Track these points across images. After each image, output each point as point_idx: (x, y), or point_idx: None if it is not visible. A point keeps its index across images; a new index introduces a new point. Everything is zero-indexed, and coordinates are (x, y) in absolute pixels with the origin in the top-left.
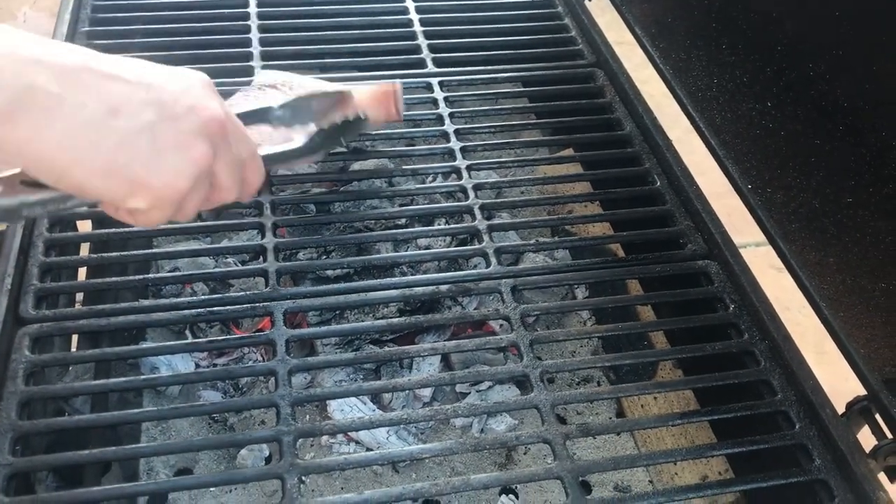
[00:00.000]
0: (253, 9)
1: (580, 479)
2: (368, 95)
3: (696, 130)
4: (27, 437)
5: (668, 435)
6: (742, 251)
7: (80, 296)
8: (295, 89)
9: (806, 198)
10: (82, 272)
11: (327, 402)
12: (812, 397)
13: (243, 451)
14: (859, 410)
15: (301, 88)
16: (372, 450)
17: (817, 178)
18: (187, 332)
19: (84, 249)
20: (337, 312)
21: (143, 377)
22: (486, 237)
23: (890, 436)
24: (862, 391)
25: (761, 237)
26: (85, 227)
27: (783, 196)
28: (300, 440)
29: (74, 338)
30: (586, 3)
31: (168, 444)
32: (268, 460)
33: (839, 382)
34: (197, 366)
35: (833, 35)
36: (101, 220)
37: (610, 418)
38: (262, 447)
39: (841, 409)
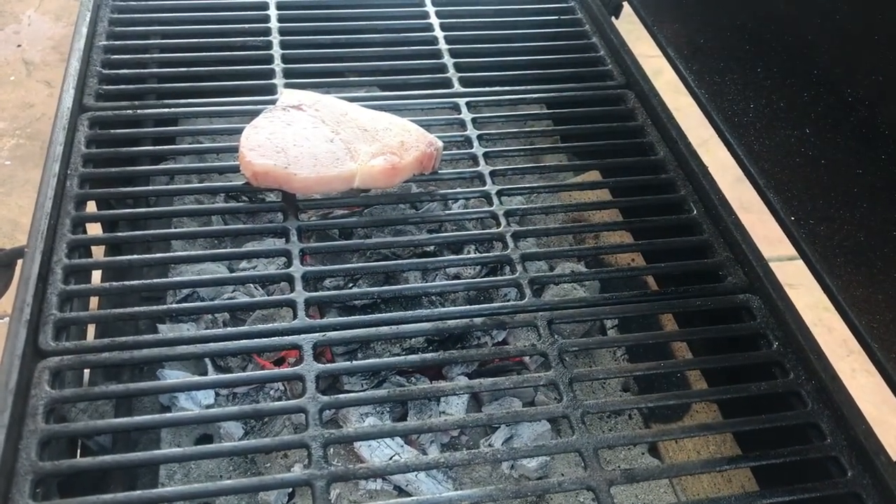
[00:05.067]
0: (274, 24)
1: None
2: (414, 158)
3: (734, 157)
4: (48, 478)
5: (705, 474)
6: None
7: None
8: (322, 111)
9: (850, 230)
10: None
11: None
12: (864, 442)
13: None
14: None
15: (327, 111)
16: (400, 486)
17: (861, 210)
18: (207, 360)
19: (96, 277)
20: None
21: (168, 416)
22: (519, 267)
23: None
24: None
25: (774, 253)
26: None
27: (826, 228)
28: (333, 485)
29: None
30: (614, 20)
31: (194, 488)
32: (290, 496)
33: None
34: (217, 395)
35: (872, 59)
36: (118, 245)
37: (642, 453)
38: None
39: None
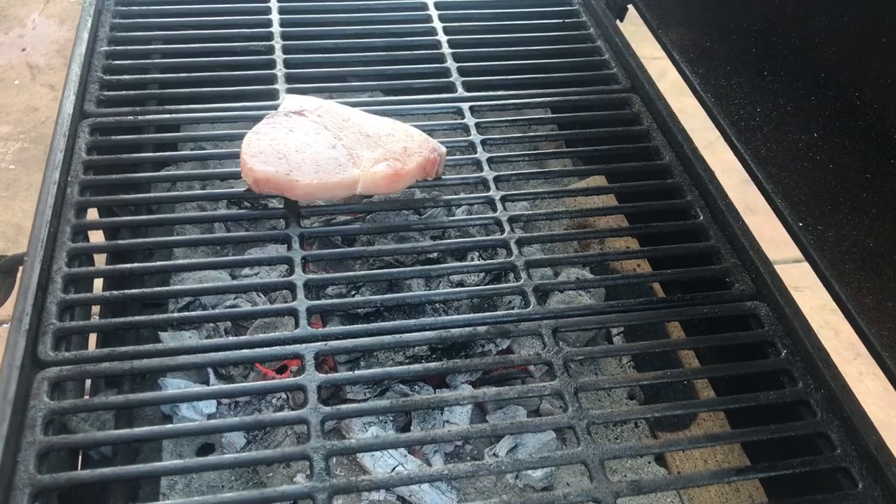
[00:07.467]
0: (276, 28)
1: None
2: (417, 164)
3: (740, 162)
4: (47, 491)
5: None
6: None
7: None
8: (324, 117)
9: (859, 236)
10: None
11: None
12: (876, 454)
13: None
14: None
15: (330, 116)
16: (404, 497)
17: (870, 216)
18: (209, 369)
19: (97, 285)
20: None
21: (169, 427)
22: (523, 274)
23: None
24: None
25: (781, 255)
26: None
27: (835, 234)
28: (335, 497)
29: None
30: (618, 23)
31: (195, 500)
32: None
33: None
34: (219, 403)
35: (881, 62)
36: (119, 253)
37: (649, 462)
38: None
39: None
